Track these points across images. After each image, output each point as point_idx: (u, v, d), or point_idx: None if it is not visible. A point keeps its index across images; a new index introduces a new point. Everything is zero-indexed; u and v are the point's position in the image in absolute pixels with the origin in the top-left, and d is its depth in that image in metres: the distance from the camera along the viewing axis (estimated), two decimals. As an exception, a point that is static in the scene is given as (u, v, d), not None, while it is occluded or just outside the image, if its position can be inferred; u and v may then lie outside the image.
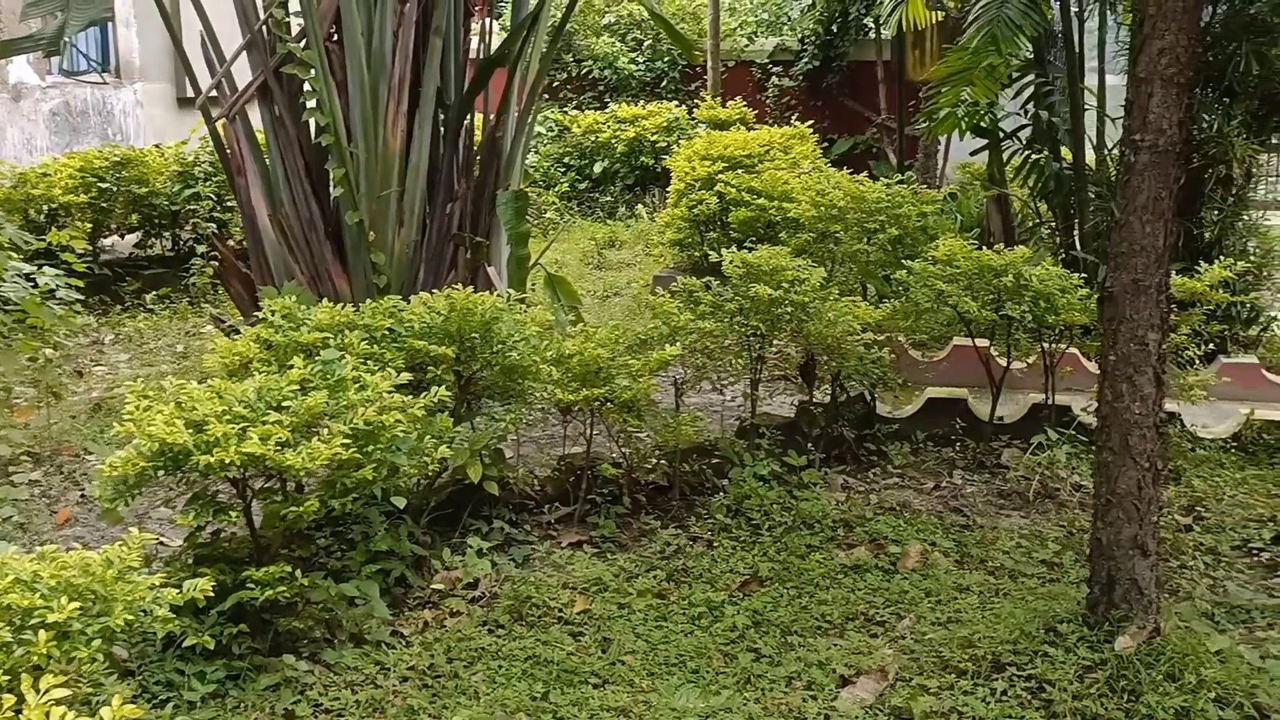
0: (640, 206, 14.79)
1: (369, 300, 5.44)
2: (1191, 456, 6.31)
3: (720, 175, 10.53)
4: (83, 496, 5.94)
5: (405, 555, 4.81)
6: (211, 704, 3.93)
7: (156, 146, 11.24)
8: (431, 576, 4.86)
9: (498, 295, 5.59)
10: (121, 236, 11.04)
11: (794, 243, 8.11)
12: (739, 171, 10.47)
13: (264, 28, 6.85)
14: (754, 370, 6.19)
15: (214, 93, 6.94)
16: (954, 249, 6.43)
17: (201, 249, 10.24)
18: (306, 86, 6.74)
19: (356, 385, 4.38)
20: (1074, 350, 6.74)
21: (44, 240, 7.95)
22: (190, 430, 3.90)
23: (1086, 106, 8.70)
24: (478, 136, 7.45)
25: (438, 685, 4.12)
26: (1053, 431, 6.23)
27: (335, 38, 6.83)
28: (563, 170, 15.64)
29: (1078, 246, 8.52)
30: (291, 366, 4.37)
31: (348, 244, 6.76)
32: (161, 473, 3.97)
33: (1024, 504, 5.84)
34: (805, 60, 16.65)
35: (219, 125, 6.99)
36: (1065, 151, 8.81)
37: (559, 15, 7.96)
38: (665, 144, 14.70)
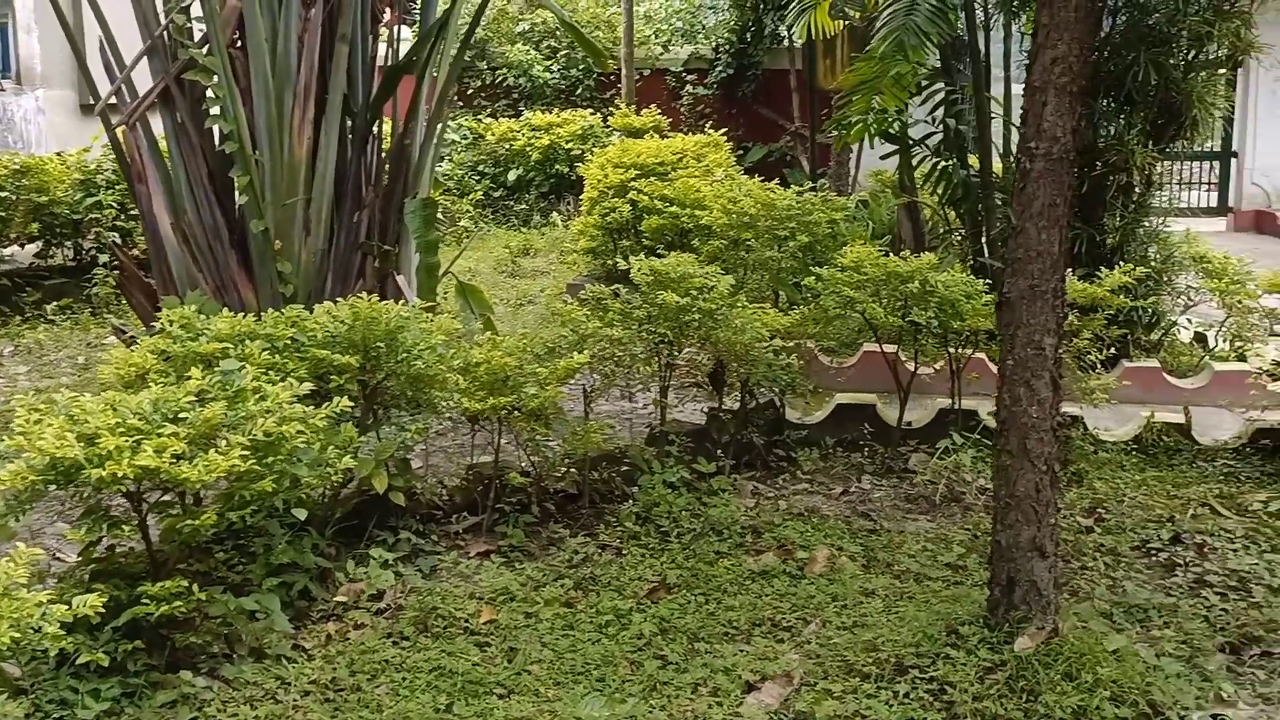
0: (555, 214, 14.77)
1: (272, 310, 5.36)
2: (1094, 459, 6.42)
3: (634, 183, 10.56)
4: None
5: (309, 568, 4.73)
6: (106, 722, 3.85)
7: (58, 154, 11.02)
8: (336, 589, 4.79)
9: (404, 304, 5.53)
10: (21, 246, 10.79)
11: (706, 250, 8.16)
12: (652, 179, 10.51)
13: (165, 33, 6.71)
14: (663, 377, 6.19)
15: (114, 99, 6.80)
16: (861, 255, 6.49)
17: (104, 259, 10.07)
18: (210, 93, 6.62)
19: (257, 396, 4.31)
20: (981, 355, 6.83)
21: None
22: (82, 443, 3.82)
23: (993, 115, 8.83)
24: (386, 144, 7.38)
25: (340, 699, 4.06)
26: (959, 436, 6.32)
27: (239, 43, 6.70)
28: (477, 178, 15.55)
29: (985, 253, 8.64)
30: (189, 377, 4.30)
31: (253, 253, 6.64)
32: (53, 487, 3.91)
33: (930, 508, 5.90)
34: (720, 68, 16.75)
35: (120, 132, 6.83)
36: (973, 159, 8.93)
37: (469, 22, 7.91)
38: (580, 151, 14.67)
